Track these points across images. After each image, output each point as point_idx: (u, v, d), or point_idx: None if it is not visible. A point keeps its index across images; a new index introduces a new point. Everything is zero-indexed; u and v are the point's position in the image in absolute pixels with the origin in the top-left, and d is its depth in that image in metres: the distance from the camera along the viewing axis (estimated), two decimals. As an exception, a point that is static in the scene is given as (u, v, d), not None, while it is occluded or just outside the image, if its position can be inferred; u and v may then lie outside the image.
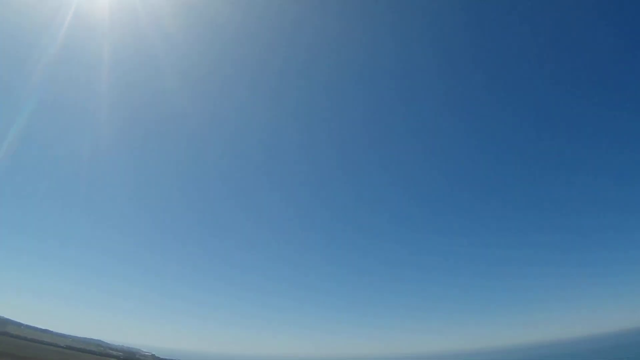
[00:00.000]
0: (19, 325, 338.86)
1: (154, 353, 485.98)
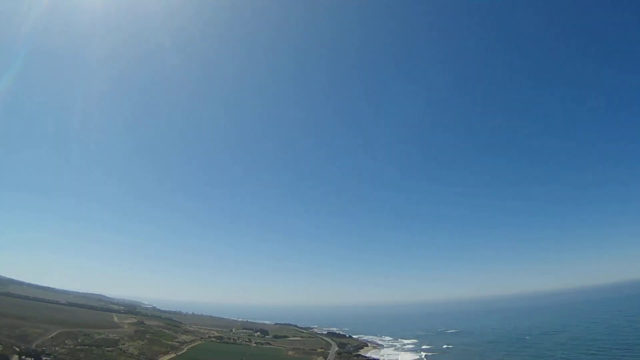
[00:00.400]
0: (21, 284, 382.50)
1: (154, 305, 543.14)
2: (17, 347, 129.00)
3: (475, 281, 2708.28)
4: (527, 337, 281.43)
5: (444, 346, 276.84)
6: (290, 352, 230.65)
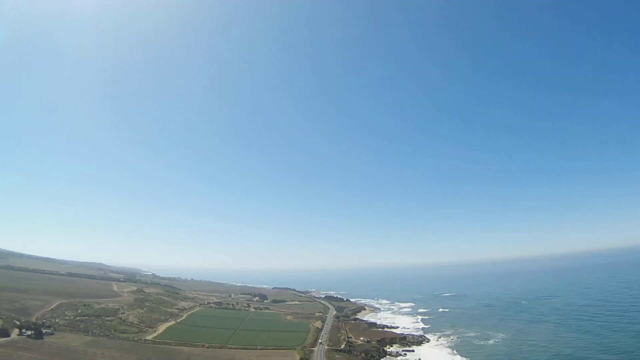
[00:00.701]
0: (21, 256, 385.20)
1: (154, 272, 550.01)
2: (17, 321, 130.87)
3: (472, 245, 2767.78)
4: (523, 302, 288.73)
5: (440, 310, 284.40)
6: (289, 317, 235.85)
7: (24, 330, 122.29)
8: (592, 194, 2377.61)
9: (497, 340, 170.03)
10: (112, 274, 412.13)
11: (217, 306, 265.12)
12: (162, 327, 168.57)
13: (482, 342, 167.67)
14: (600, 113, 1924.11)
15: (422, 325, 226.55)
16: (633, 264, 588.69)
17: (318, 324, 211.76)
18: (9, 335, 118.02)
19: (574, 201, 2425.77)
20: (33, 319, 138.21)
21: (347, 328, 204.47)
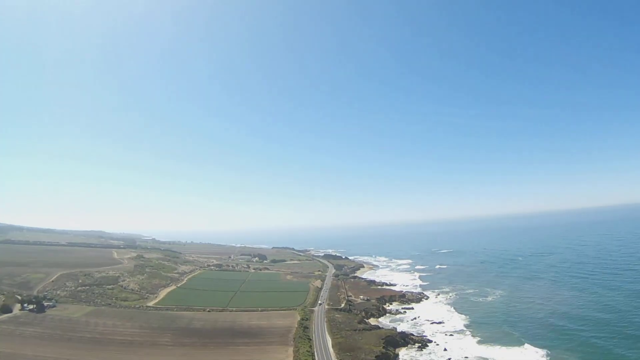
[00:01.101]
0: (21, 229, 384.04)
1: (154, 237, 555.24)
2: (19, 296, 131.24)
3: (468, 201, 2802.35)
4: (520, 258, 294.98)
5: (437, 266, 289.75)
6: (288, 277, 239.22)
7: (25, 305, 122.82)
8: (591, 150, 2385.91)
9: (494, 297, 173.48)
10: (112, 241, 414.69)
11: (217, 268, 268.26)
12: (163, 293, 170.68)
13: (480, 299, 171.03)
14: (606, 65, 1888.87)
15: (420, 282, 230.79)
16: (629, 221, 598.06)
17: (318, 283, 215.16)
18: (11, 311, 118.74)
19: (573, 157, 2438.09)
20: (35, 293, 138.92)
21: (346, 287, 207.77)
